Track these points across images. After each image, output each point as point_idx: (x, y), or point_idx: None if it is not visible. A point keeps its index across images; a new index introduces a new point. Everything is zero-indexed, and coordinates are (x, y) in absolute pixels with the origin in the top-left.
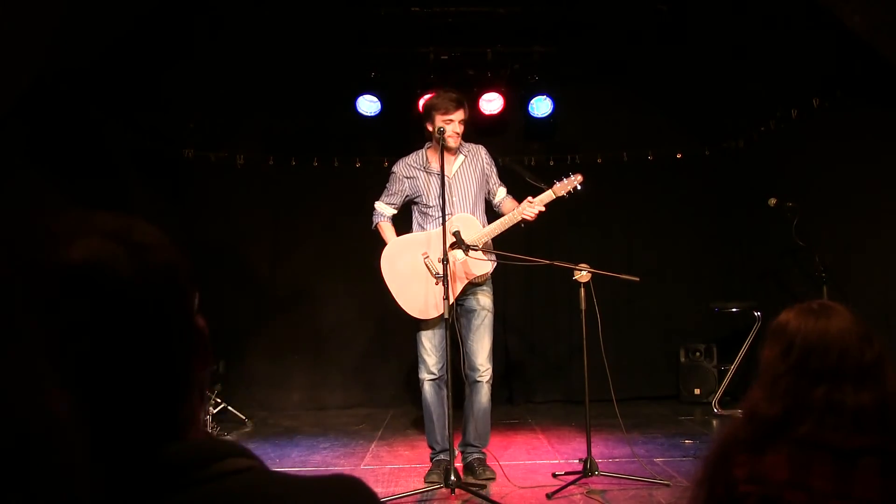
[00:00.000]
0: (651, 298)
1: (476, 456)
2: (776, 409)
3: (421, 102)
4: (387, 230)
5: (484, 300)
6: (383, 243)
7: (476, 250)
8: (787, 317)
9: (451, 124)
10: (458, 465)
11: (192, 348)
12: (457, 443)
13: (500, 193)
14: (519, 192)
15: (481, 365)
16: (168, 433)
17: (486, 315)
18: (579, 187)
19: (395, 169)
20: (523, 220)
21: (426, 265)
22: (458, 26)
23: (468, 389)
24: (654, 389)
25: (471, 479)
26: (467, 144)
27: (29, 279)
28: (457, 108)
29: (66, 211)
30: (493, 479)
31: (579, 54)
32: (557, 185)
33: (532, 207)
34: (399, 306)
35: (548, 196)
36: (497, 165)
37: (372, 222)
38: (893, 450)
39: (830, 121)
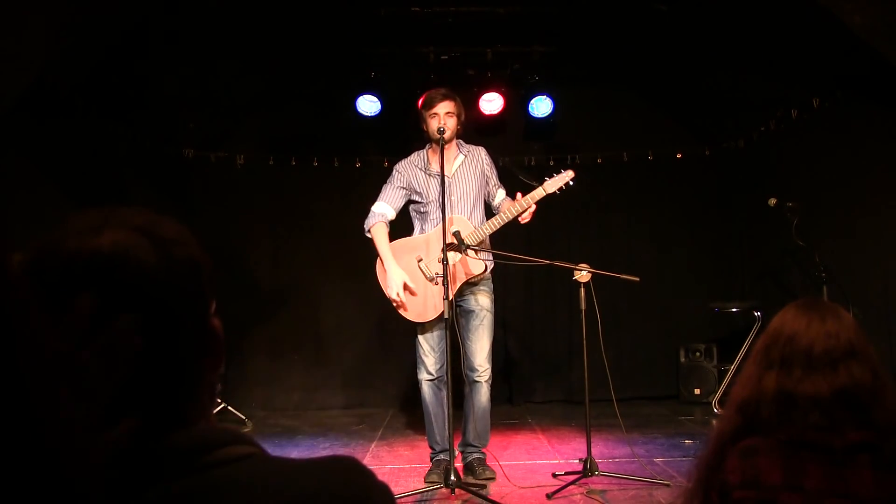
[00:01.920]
0: (651, 298)
1: (476, 456)
2: (745, 393)
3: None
4: (380, 238)
5: (483, 300)
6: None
7: (473, 250)
8: None
9: (436, 118)
10: (458, 465)
11: (205, 348)
12: (457, 443)
13: (499, 195)
14: (514, 191)
15: (480, 365)
16: (176, 426)
17: (485, 315)
18: (571, 183)
19: (397, 167)
20: (521, 221)
21: (420, 269)
22: (458, 26)
23: (467, 389)
24: (654, 389)
25: (471, 479)
26: (467, 145)
27: (56, 265)
28: (441, 101)
29: (94, 207)
30: (493, 479)
31: (579, 54)
32: (548, 182)
33: (522, 203)
34: (398, 313)
35: (538, 193)
36: (497, 166)
37: (365, 228)
38: (881, 444)
39: (830, 121)
